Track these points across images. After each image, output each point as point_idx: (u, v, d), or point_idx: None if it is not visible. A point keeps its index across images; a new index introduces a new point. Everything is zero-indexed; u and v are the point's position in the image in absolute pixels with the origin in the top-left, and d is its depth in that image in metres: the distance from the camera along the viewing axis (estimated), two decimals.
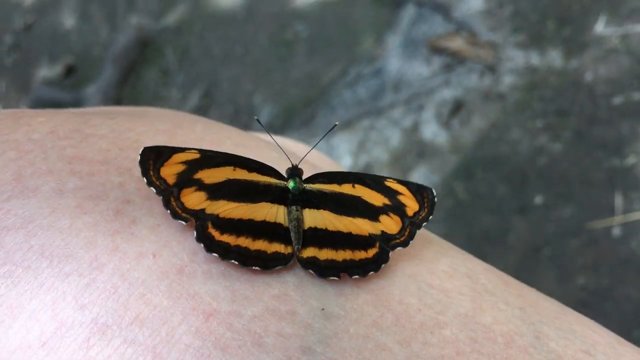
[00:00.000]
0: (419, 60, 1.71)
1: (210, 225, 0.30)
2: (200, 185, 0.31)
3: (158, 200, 0.30)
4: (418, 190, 0.35)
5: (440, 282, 0.31)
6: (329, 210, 0.33)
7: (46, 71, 2.25)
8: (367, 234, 0.32)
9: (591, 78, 1.53)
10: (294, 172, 0.34)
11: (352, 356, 0.27)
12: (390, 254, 0.32)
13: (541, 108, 1.55)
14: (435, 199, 0.34)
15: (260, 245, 0.30)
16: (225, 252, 0.29)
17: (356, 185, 0.34)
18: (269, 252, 0.30)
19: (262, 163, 0.33)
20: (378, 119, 1.66)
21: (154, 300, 0.26)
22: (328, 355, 0.26)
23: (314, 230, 0.32)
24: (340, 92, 1.74)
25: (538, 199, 1.47)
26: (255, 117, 0.39)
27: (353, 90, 1.72)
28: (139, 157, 0.30)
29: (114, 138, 0.32)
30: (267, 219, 0.32)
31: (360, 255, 0.31)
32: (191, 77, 1.98)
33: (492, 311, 0.30)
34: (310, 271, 0.30)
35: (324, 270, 0.30)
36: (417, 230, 0.33)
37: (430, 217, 0.34)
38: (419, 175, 1.57)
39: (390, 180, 0.35)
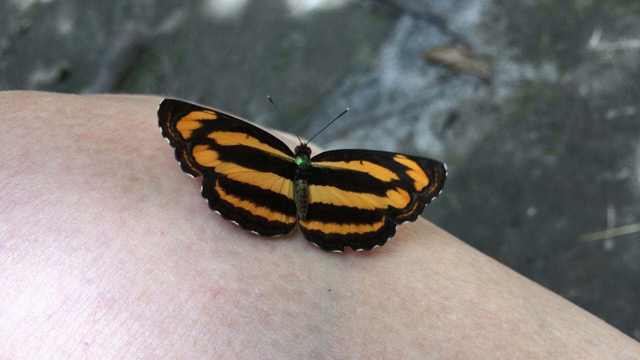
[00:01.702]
0: (415, 71, 1.72)
1: (217, 183, 0.30)
2: (213, 145, 0.31)
3: (166, 178, 0.30)
4: (428, 165, 0.35)
5: (445, 269, 0.31)
6: (335, 186, 0.33)
7: (41, 75, 2.24)
8: (374, 208, 0.33)
9: (585, 92, 1.54)
10: (303, 149, 0.34)
11: (359, 336, 0.27)
12: (397, 227, 0.32)
13: (535, 121, 1.56)
14: (447, 174, 0.34)
15: (262, 212, 0.30)
16: (228, 212, 0.29)
17: (364, 162, 0.34)
18: (269, 219, 0.30)
19: (273, 136, 0.34)
20: (373, 129, 1.66)
21: (161, 276, 0.26)
22: (335, 335, 0.26)
23: (319, 205, 0.32)
24: (335, 101, 1.75)
25: (531, 211, 1.48)
26: (268, 96, 0.39)
27: (349, 99, 1.73)
28: (158, 107, 0.30)
29: (121, 118, 0.32)
30: (272, 189, 0.32)
31: (365, 229, 0.32)
32: (187, 83, 1.99)
33: (497, 299, 0.30)
34: (314, 244, 0.30)
35: (328, 243, 0.30)
36: (426, 205, 0.33)
37: (440, 191, 0.34)
38: None
39: (400, 155, 0.35)
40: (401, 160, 0.35)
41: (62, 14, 2.35)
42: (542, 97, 1.57)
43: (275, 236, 0.30)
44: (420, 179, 0.34)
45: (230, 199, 0.30)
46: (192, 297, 0.26)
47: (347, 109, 0.37)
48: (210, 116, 0.32)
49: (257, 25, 2.00)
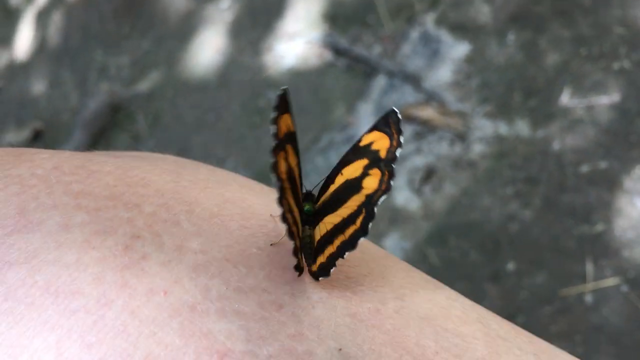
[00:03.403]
0: None
1: None
2: None
3: (168, 235, 0.29)
4: (384, 123, 0.32)
5: (454, 326, 0.30)
6: (330, 213, 0.33)
7: (13, 136, 2.22)
8: (356, 207, 0.32)
9: (558, 147, 1.57)
10: (308, 196, 0.34)
11: None
12: (375, 209, 0.31)
13: (510, 176, 1.58)
14: (399, 117, 0.32)
15: None
16: None
17: (342, 171, 0.33)
18: None
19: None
20: None
21: (165, 339, 0.24)
22: None
23: (320, 240, 0.32)
24: (312, 158, 1.75)
25: (510, 266, 1.48)
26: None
27: (325, 156, 1.74)
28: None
29: (120, 175, 0.31)
30: None
31: (350, 230, 0.31)
32: (162, 142, 1.98)
33: (508, 356, 0.29)
34: (321, 278, 0.29)
35: (328, 269, 0.30)
36: (394, 165, 0.31)
37: (402, 140, 0.32)
38: (391, 242, 1.57)
39: (364, 137, 0.33)
40: (365, 140, 0.33)
41: (36, 74, 2.35)
42: (517, 152, 1.60)
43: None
44: (382, 144, 0.32)
45: None
46: None
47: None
48: None
49: (233, 85, 2.02)
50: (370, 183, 0.32)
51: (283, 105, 0.30)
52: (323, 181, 0.34)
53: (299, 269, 0.29)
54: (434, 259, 1.52)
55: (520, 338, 0.32)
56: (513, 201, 1.55)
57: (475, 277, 1.50)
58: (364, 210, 0.31)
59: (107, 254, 0.26)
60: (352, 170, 0.33)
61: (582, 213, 1.49)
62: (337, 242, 0.31)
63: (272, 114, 0.29)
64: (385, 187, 0.31)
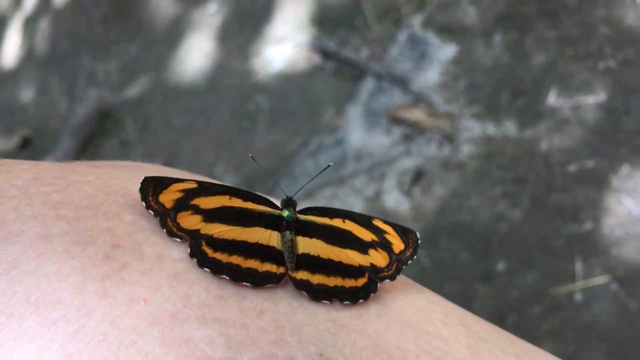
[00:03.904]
0: (380, 131, 1.75)
1: (204, 243, 0.30)
2: (196, 210, 0.32)
3: (149, 244, 0.29)
4: (403, 232, 0.35)
5: (436, 329, 0.31)
6: (321, 240, 0.34)
7: (1, 143, 2.21)
8: (357, 265, 0.33)
9: (546, 147, 1.58)
10: (289, 202, 0.35)
11: None
12: (378, 285, 0.32)
13: (499, 176, 1.58)
14: (419, 241, 0.35)
15: (252, 264, 0.30)
16: (217, 268, 0.29)
17: (346, 221, 0.35)
18: (260, 270, 0.30)
19: (257, 194, 0.34)
20: (340, 188, 1.67)
21: (146, 347, 0.24)
22: None
23: (307, 256, 0.33)
24: (302, 162, 1.75)
25: (500, 266, 1.49)
26: (250, 154, 0.39)
27: (315, 160, 1.74)
28: (139, 185, 0.30)
29: (100, 184, 0.31)
30: (260, 242, 0.32)
31: (350, 283, 0.32)
32: (151, 148, 1.98)
33: (489, 357, 0.30)
34: (304, 293, 0.30)
35: (317, 293, 0.30)
36: (403, 267, 0.34)
37: (415, 256, 0.35)
38: None
39: (377, 220, 0.36)
40: (379, 224, 0.36)
41: (24, 81, 2.34)
42: (505, 152, 1.61)
43: (268, 285, 0.29)
44: (396, 242, 0.35)
45: (219, 255, 0.30)
46: None
47: (330, 163, 0.39)
48: (191, 185, 0.32)
49: (222, 89, 2.02)
50: (378, 259, 0.34)
51: (157, 184, 0.31)
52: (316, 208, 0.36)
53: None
54: (424, 261, 1.52)
55: (502, 340, 0.32)
56: (502, 201, 1.55)
57: (465, 277, 1.50)
58: (367, 276, 0.32)
59: (87, 264, 0.26)
60: (359, 231, 0.35)
61: (570, 212, 1.50)
62: (335, 281, 0.32)
63: (143, 203, 0.30)
64: (390, 274, 0.33)
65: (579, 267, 1.43)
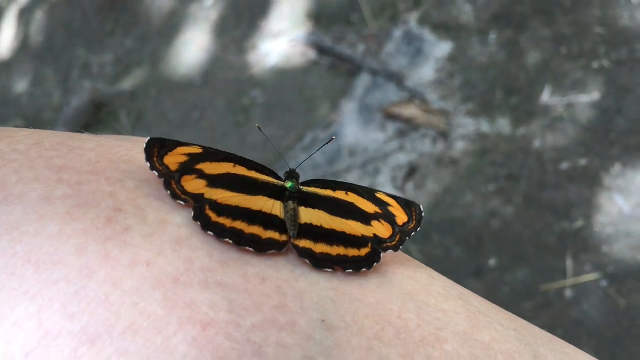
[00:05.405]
0: (374, 126, 1.75)
1: (207, 207, 0.30)
2: (201, 175, 0.32)
3: (151, 209, 0.29)
4: (407, 205, 0.36)
5: (436, 301, 0.31)
6: (324, 211, 0.34)
7: None
8: (360, 235, 0.33)
9: (539, 145, 1.59)
10: (292, 174, 0.35)
11: None
12: (382, 255, 0.32)
13: (492, 173, 1.59)
14: (423, 214, 0.35)
15: (255, 230, 0.31)
16: (221, 232, 0.29)
17: (349, 193, 0.35)
18: (263, 237, 0.30)
19: (261, 165, 0.34)
20: None
21: (148, 309, 0.25)
22: None
23: (309, 226, 0.33)
24: (297, 156, 1.76)
25: (492, 262, 1.50)
26: (257, 125, 0.40)
27: (310, 154, 1.74)
28: (145, 145, 0.30)
29: (102, 151, 0.31)
30: (264, 210, 0.32)
31: (353, 252, 0.32)
32: None
33: (489, 330, 0.30)
34: (306, 261, 0.30)
35: (319, 262, 0.30)
36: (407, 238, 0.34)
37: (419, 229, 0.35)
38: None
39: (380, 192, 0.36)
40: (382, 196, 0.36)
41: (19, 72, 2.33)
42: (498, 150, 1.62)
43: (270, 252, 0.30)
44: (400, 215, 0.35)
45: (223, 220, 0.30)
46: (181, 330, 0.24)
47: (333, 137, 0.39)
48: (196, 150, 0.32)
49: (218, 83, 2.02)
50: (382, 230, 0.34)
51: (162, 146, 0.31)
52: (316, 179, 0.36)
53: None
54: (417, 256, 1.53)
55: (500, 315, 0.33)
56: (495, 198, 1.56)
57: (458, 273, 1.51)
58: (370, 246, 0.33)
59: (89, 226, 0.26)
60: (362, 203, 0.35)
61: (562, 210, 1.51)
62: (337, 250, 0.32)
63: (148, 164, 0.30)
64: (394, 245, 0.33)
65: (570, 264, 1.44)
